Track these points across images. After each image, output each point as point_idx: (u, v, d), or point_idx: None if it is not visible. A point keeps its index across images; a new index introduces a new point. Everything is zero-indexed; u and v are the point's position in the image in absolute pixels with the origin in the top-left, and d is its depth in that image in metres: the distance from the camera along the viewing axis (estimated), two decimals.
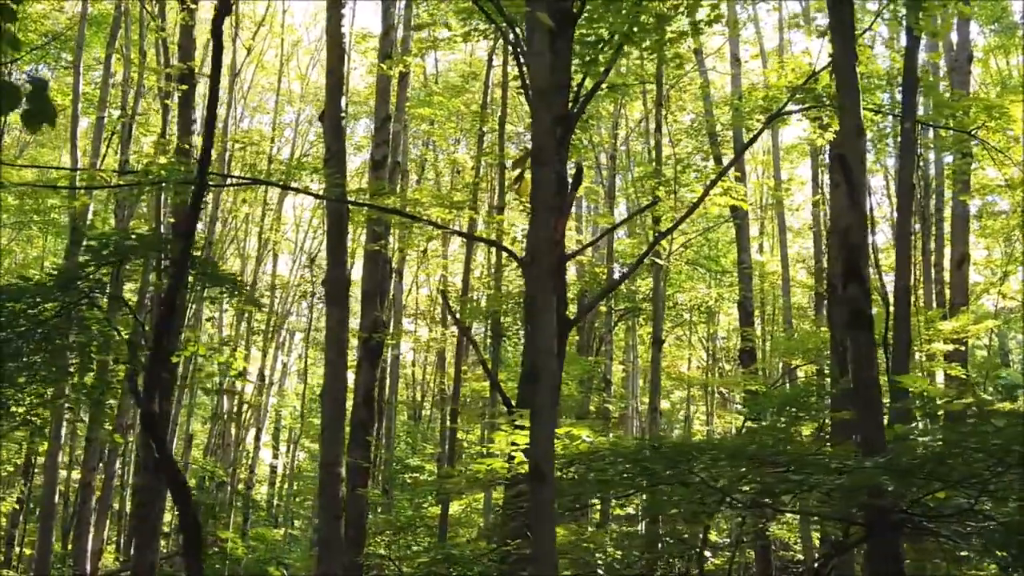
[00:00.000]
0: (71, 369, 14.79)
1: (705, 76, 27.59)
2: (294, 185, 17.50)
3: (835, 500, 9.04)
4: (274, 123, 39.41)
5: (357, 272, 27.03)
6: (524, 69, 16.76)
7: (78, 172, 24.08)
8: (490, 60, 27.97)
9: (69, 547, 30.64)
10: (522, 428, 11.13)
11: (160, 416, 11.16)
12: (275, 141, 35.00)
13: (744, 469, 8.46)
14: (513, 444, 11.51)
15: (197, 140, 23.67)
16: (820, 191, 31.52)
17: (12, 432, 18.69)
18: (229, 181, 25.18)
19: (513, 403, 14.07)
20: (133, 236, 16.17)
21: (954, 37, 24.72)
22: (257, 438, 41.12)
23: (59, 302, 14.30)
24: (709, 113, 26.87)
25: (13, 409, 15.33)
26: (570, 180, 16.52)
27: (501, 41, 26.40)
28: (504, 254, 26.98)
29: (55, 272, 15.88)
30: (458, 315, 22.62)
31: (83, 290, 14.32)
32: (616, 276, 29.01)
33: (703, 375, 42.68)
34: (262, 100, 42.09)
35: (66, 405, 16.69)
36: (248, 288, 15.79)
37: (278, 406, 47.03)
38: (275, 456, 49.21)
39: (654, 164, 24.63)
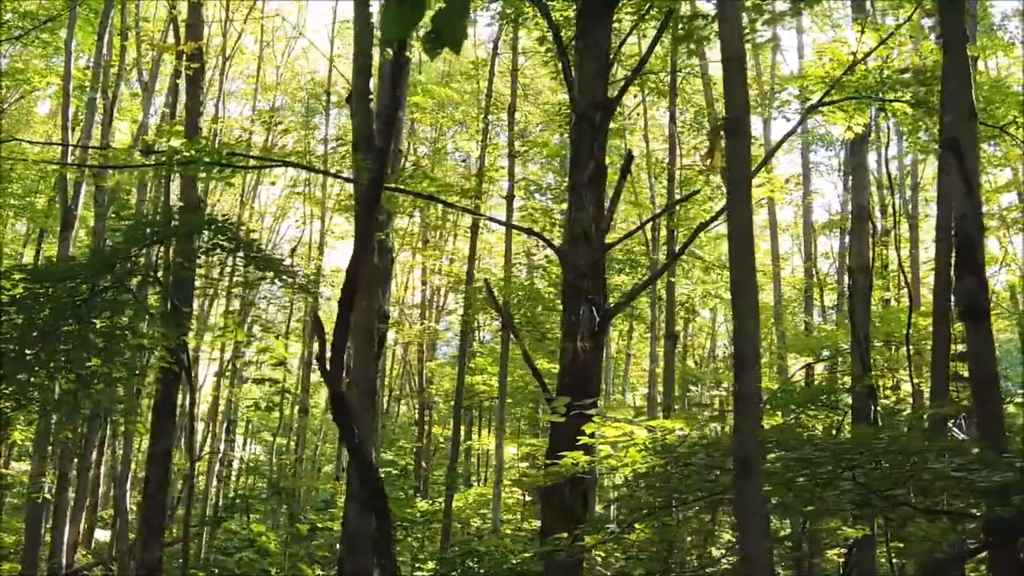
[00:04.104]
0: (109, 353, 14.18)
1: (706, 68, 27.30)
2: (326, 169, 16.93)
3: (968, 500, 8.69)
4: (254, 110, 38.76)
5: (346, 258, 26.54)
6: (565, 55, 16.51)
7: (74, 153, 23.34)
8: (495, 48, 27.54)
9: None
10: (615, 420, 10.77)
11: (345, 401, 10.64)
12: (259, 127, 34.21)
13: (905, 466, 8.12)
14: (597, 435, 11.13)
15: (205, 121, 23.19)
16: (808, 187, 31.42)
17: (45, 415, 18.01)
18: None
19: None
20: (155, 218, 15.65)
21: None
22: (228, 431, 40.46)
23: (94, 284, 13.74)
24: (711, 106, 26.60)
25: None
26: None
27: (509, 30, 26.06)
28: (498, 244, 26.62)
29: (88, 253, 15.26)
30: (469, 307, 22.17)
31: (119, 272, 13.79)
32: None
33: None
34: (236, 87, 41.45)
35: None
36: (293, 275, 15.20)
37: (241, 398, 46.22)
38: (232, 449, 48.40)
39: (667, 156, 24.34)
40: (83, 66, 30.51)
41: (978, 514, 8.90)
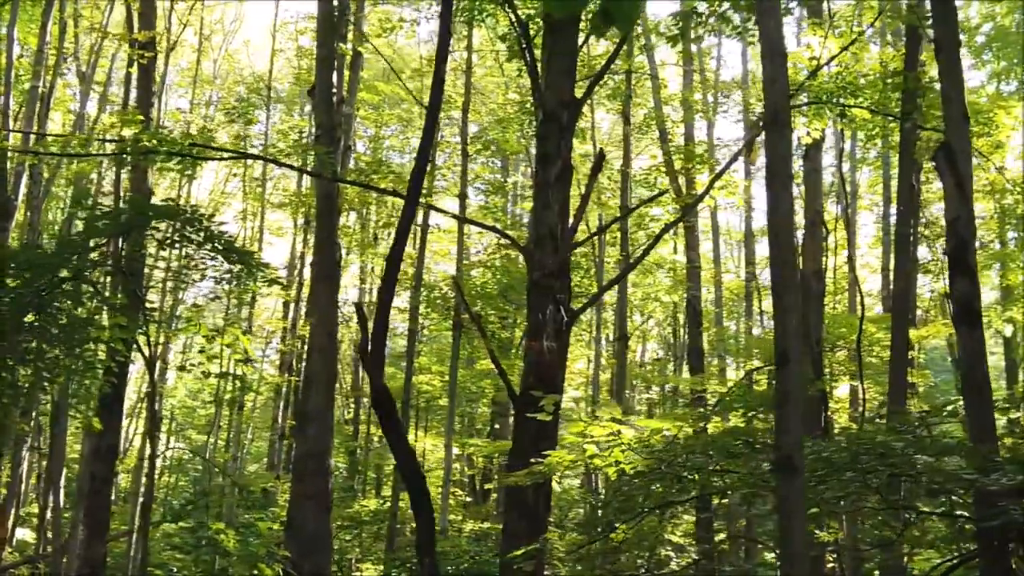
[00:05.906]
0: (74, 345, 13.81)
1: (655, 72, 27.35)
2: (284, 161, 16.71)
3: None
4: (193, 102, 38.24)
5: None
6: (532, 51, 16.37)
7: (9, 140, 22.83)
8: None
9: None
10: (600, 420, 10.73)
11: (387, 394, 10.39)
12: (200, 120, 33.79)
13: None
14: (584, 435, 11.06)
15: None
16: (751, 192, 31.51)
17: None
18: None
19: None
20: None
21: None
22: (158, 428, 39.77)
23: (53, 275, 13.39)
24: (660, 108, 26.63)
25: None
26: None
27: (463, 29, 25.91)
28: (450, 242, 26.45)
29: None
30: (417, 304, 22.01)
31: (85, 263, 13.48)
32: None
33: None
34: (171, 80, 40.82)
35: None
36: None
37: (167, 394, 45.46)
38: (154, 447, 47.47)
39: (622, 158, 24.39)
40: (17, 54, 29.86)
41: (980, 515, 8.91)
